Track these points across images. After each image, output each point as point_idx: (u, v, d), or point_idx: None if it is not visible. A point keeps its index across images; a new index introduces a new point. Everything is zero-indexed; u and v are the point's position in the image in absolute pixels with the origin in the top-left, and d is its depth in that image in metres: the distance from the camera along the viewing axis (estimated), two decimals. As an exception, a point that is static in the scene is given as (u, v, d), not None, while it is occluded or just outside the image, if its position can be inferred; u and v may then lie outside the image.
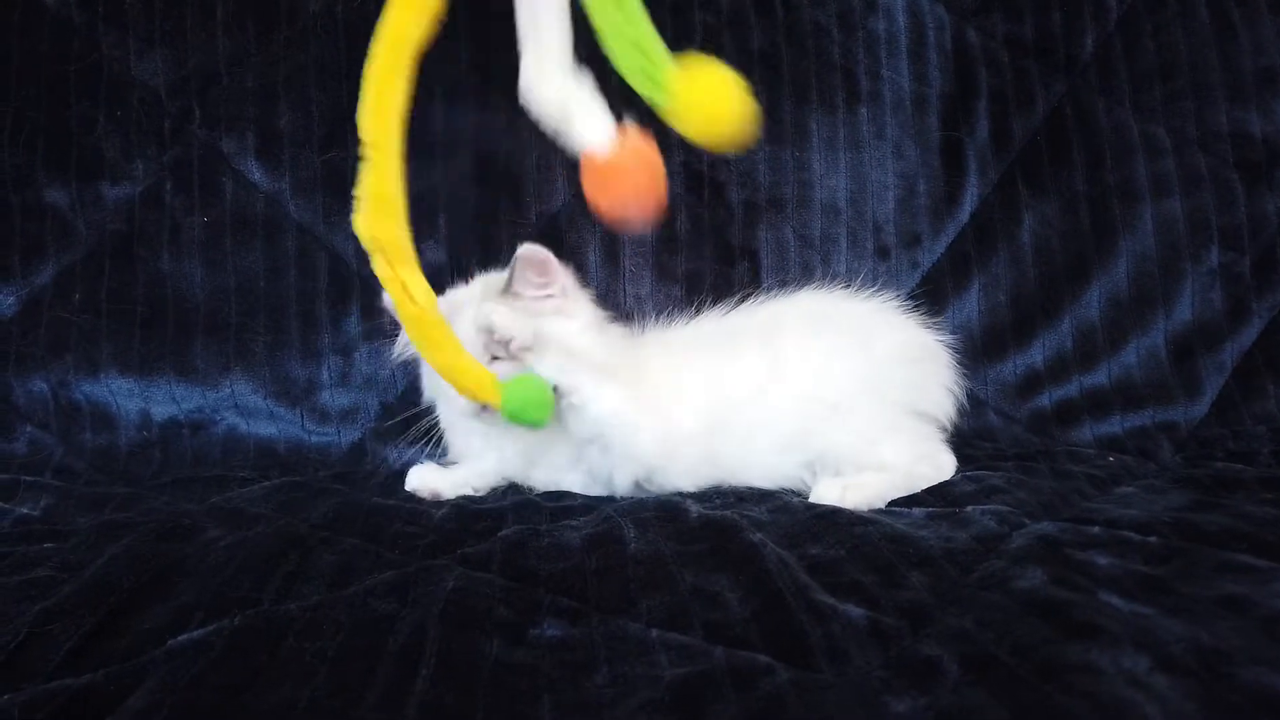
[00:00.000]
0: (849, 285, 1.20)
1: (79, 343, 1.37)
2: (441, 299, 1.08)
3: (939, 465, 1.09)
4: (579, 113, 0.87)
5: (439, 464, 1.14)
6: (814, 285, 1.22)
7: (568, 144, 0.87)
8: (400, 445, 1.34)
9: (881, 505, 0.98)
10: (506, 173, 1.42)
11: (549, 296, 1.10)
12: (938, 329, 1.17)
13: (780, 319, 1.15)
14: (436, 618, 0.67)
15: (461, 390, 0.98)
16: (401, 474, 1.15)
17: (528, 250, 1.06)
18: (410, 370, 1.41)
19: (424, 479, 1.11)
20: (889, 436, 1.06)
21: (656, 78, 0.84)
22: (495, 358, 1.07)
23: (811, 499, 0.98)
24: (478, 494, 1.11)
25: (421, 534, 0.89)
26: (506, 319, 1.06)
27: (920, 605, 0.69)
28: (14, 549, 0.89)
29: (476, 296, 1.11)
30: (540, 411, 0.99)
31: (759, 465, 1.09)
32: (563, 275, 1.11)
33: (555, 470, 1.12)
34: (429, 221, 1.42)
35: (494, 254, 1.32)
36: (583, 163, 0.87)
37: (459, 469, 1.14)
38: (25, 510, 1.09)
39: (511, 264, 1.08)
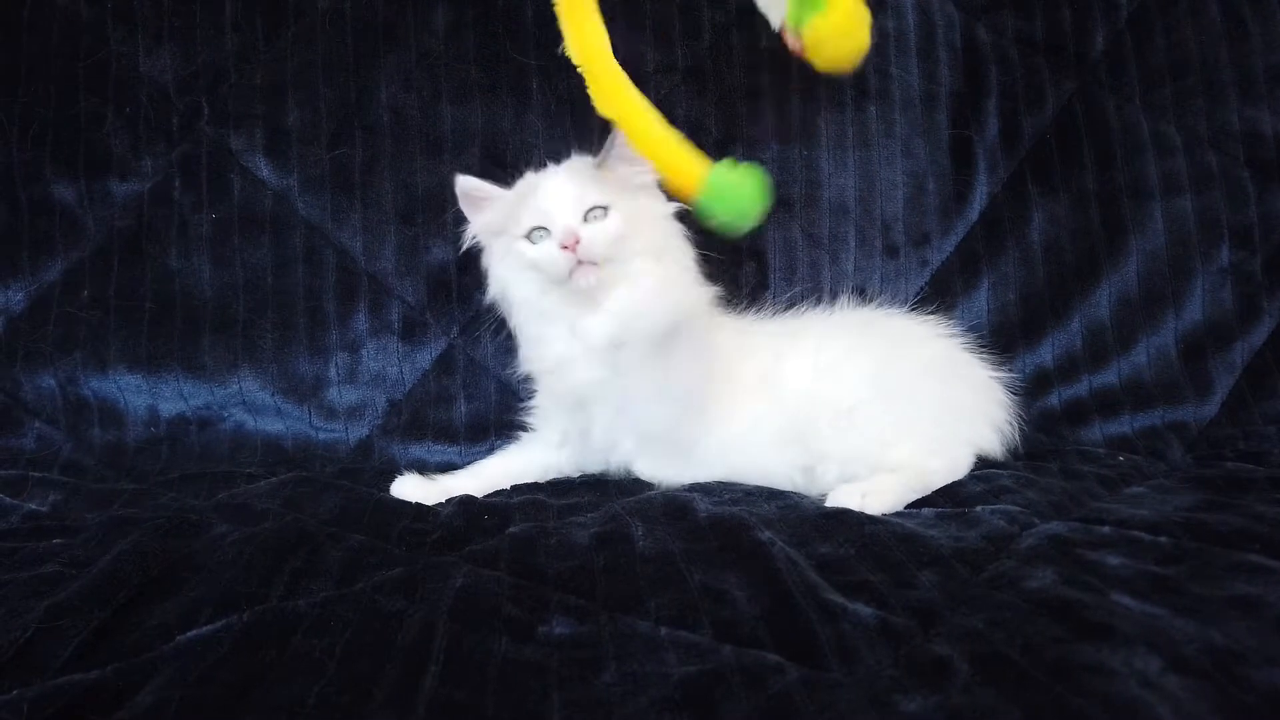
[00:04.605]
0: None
1: (87, 339, 1.37)
2: (523, 180, 1.14)
3: (954, 460, 1.09)
4: None
5: (422, 476, 1.14)
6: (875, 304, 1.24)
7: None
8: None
9: (900, 508, 0.97)
10: (515, 169, 1.42)
11: (641, 173, 1.12)
12: (1004, 370, 1.20)
13: (814, 325, 1.17)
14: (445, 615, 0.67)
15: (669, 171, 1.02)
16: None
17: None
18: (419, 367, 1.42)
19: (407, 491, 1.09)
20: (902, 439, 1.06)
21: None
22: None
23: (829, 504, 0.97)
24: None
25: (429, 531, 0.90)
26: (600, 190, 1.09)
27: (930, 604, 0.69)
28: (22, 545, 0.89)
29: (564, 170, 1.13)
30: (745, 201, 1.00)
31: (760, 463, 1.10)
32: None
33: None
34: (437, 218, 1.42)
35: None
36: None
37: (444, 479, 1.14)
38: (33, 506, 1.09)
39: (609, 140, 1.10)
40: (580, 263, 1.05)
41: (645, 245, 1.11)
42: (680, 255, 1.16)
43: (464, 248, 1.23)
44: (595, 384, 1.10)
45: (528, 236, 1.09)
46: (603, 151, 1.12)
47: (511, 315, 1.18)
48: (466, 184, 1.15)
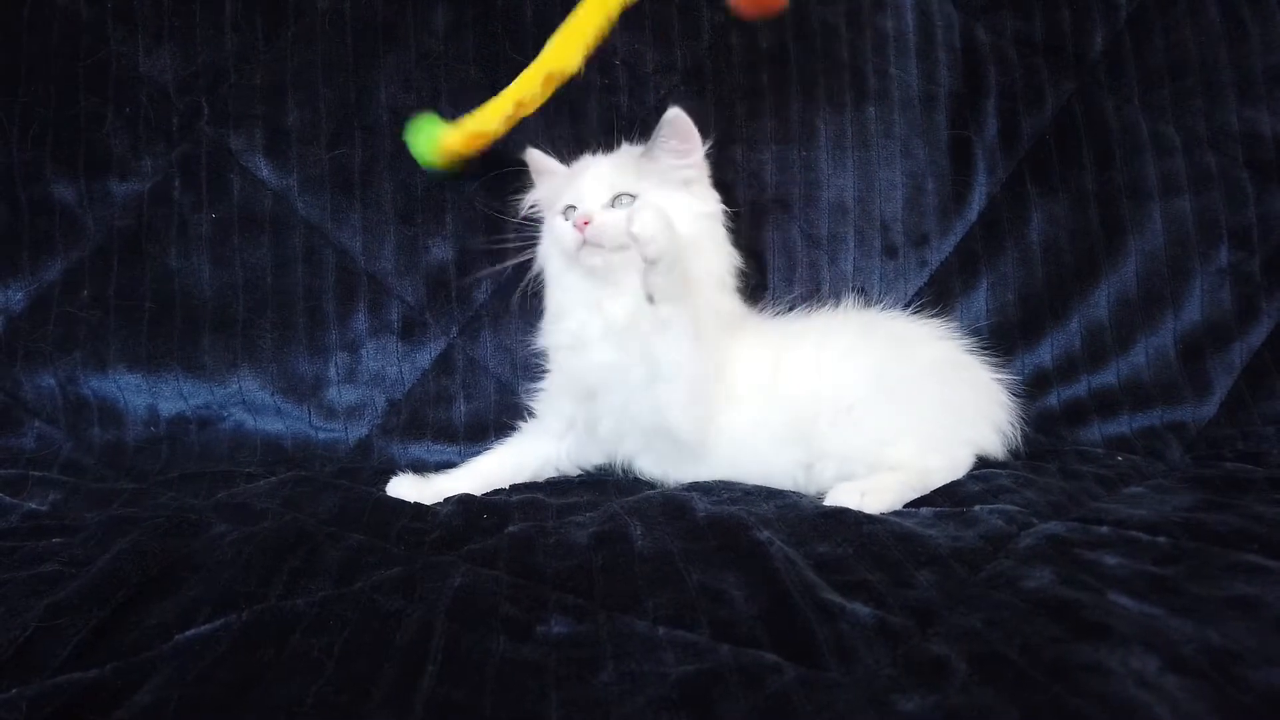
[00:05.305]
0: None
1: (87, 339, 1.37)
2: (579, 160, 1.20)
3: (953, 459, 1.08)
4: None
5: (418, 475, 1.14)
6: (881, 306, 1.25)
7: None
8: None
9: (899, 507, 0.97)
10: (515, 169, 1.42)
11: (686, 167, 1.16)
12: (1005, 370, 1.21)
13: (817, 325, 1.18)
14: (443, 614, 0.67)
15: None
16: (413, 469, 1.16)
17: (674, 113, 1.13)
18: (418, 367, 1.42)
19: (403, 491, 1.09)
20: (901, 438, 1.05)
21: None
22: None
23: (828, 503, 0.97)
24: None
25: (427, 530, 0.90)
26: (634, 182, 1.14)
27: (928, 604, 0.69)
28: (22, 544, 0.90)
29: (609, 157, 1.19)
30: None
31: (762, 461, 1.10)
32: (699, 153, 1.17)
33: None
34: (436, 219, 1.42)
35: (502, 251, 1.32)
36: None
37: (439, 479, 1.14)
38: (33, 505, 1.09)
39: (658, 126, 1.14)
40: (585, 243, 1.09)
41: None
42: (712, 257, 1.17)
43: (523, 214, 1.29)
44: (608, 367, 1.11)
45: (563, 213, 1.15)
46: (649, 143, 1.16)
47: (545, 286, 1.23)
48: (534, 156, 1.23)
